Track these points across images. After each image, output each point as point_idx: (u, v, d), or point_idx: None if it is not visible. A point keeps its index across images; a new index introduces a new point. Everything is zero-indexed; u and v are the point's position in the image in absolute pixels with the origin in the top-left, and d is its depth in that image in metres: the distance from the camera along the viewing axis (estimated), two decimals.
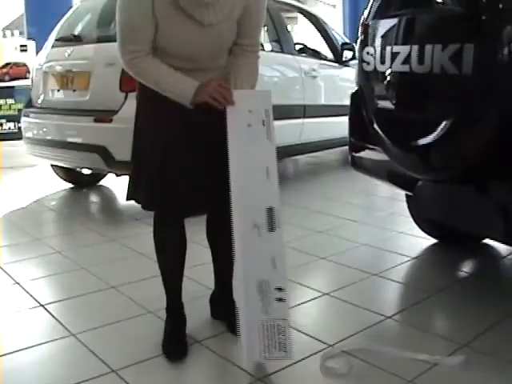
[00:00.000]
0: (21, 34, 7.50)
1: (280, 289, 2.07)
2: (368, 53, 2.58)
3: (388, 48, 2.41)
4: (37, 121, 4.92)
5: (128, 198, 2.36)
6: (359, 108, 2.83)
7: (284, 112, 5.19)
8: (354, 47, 6.10)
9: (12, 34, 8.74)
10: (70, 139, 4.49)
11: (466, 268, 3.39)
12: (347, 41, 6.55)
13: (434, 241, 3.57)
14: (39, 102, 4.98)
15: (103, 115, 4.21)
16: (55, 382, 2.12)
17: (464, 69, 2.02)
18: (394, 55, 2.35)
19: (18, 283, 3.05)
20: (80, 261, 3.40)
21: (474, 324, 2.48)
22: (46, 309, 2.73)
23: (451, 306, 2.75)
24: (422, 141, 2.26)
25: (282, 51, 5.53)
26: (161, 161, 2.18)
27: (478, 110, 2.05)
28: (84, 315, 2.69)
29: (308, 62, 5.71)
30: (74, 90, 4.54)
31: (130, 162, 2.33)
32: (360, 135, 2.89)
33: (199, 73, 2.13)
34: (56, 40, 5.06)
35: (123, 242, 3.76)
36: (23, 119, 5.21)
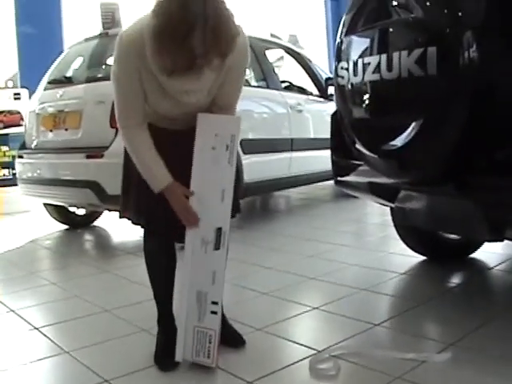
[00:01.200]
0: (14, 85, 7.70)
1: (215, 303, 2.24)
2: (342, 67, 2.68)
3: (359, 60, 2.52)
4: (30, 161, 5.02)
5: (120, 216, 2.44)
6: (338, 125, 2.94)
7: (272, 145, 5.32)
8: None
9: (6, 85, 8.94)
10: (63, 176, 4.58)
11: (454, 279, 3.43)
12: (331, 76, 6.72)
13: (422, 258, 3.63)
14: (33, 143, 5.09)
15: (94, 151, 4.31)
16: None
17: (429, 71, 2.13)
18: (366, 66, 2.46)
19: (13, 311, 3.09)
20: (74, 290, 3.45)
21: (462, 325, 2.52)
22: (40, 331, 2.76)
23: (439, 313, 2.80)
24: (396, 144, 2.36)
25: (269, 87, 5.67)
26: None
27: (444, 111, 2.15)
28: (78, 335, 2.72)
29: (294, 97, 5.86)
30: (66, 129, 4.65)
31: (121, 181, 2.41)
32: (341, 152, 2.99)
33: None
34: (48, 83, 5.20)
35: (116, 273, 3.80)
36: (17, 161, 5.31)
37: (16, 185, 5.74)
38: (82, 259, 4.34)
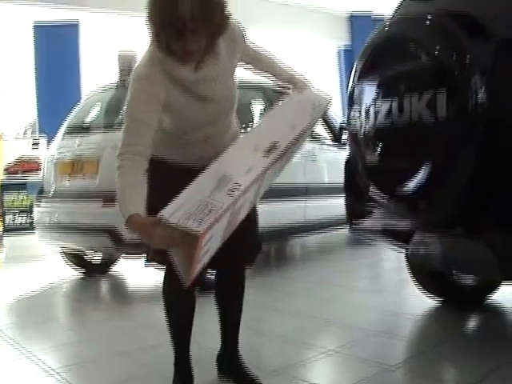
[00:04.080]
0: (33, 132, 7.92)
1: (238, 184, 1.97)
2: (354, 113, 2.75)
3: (371, 106, 2.58)
4: (48, 208, 5.09)
5: (147, 261, 2.40)
6: (351, 170, 2.99)
7: (287, 192, 5.33)
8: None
9: (25, 133, 9.19)
10: (80, 222, 4.63)
11: (470, 322, 3.40)
12: (345, 123, 6.80)
13: (438, 301, 3.61)
14: (50, 190, 5.17)
15: (111, 197, 4.36)
16: None
17: (439, 115, 2.18)
18: (377, 111, 2.52)
19: (30, 353, 3.11)
20: (89, 334, 3.50)
21: (480, 368, 2.50)
22: (57, 373, 2.78)
23: (455, 356, 2.77)
24: (409, 187, 2.39)
25: None
26: None
27: (455, 154, 2.19)
28: (94, 378, 2.74)
29: (308, 146, 5.91)
30: (84, 177, 4.73)
31: None
32: (355, 196, 3.02)
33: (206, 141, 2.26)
34: (66, 132, 5.32)
35: (132, 317, 3.83)
36: (35, 208, 5.39)
37: (33, 230, 5.85)
38: (97, 305, 4.37)
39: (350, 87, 2.87)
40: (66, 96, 8.18)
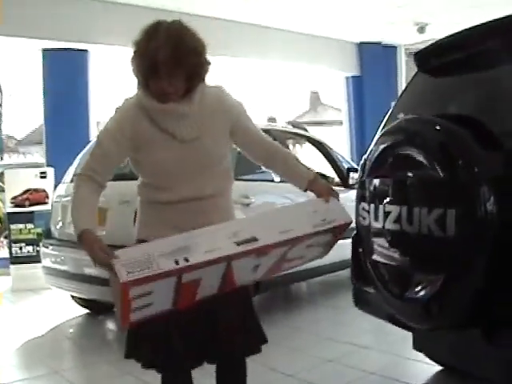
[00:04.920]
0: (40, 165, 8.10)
1: (186, 259, 1.98)
2: (363, 208, 2.77)
3: (380, 206, 2.60)
4: (55, 253, 5.15)
5: (126, 356, 2.44)
6: (357, 250, 3.02)
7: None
8: (358, 171, 6.37)
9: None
10: (87, 272, 4.68)
11: None
12: (353, 165, 6.86)
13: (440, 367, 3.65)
14: (58, 234, 5.23)
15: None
16: None
17: (448, 232, 2.21)
18: (387, 214, 2.55)
19: None
20: None
21: None
22: None
23: None
24: (417, 293, 2.42)
25: None
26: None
27: (465, 270, 2.23)
28: None
29: None
30: None
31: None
32: (361, 278, 3.05)
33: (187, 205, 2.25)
34: (74, 175, 5.36)
35: (138, 375, 3.85)
36: (43, 250, 5.45)
37: (40, 261, 5.91)
38: (104, 356, 4.38)
39: (360, 179, 2.88)
40: (75, 124, 8.25)
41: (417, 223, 2.35)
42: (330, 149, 6.62)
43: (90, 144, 5.78)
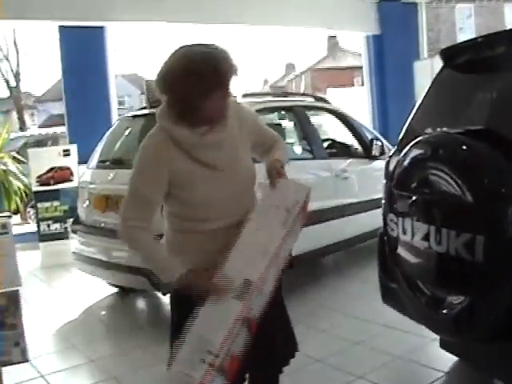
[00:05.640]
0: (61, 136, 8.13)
1: (210, 352, 2.06)
2: (392, 220, 2.79)
3: (409, 222, 2.62)
4: (84, 239, 5.25)
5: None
6: (384, 248, 3.05)
7: (320, 215, 5.36)
8: (382, 143, 6.37)
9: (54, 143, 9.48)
10: (116, 261, 4.78)
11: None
12: (376, 134, 6.84)
13: None
14: (86, 220, 5.32)
15: None
16: None
17: (476, 257, 2.23)
18: (415, 230, 2.56)
19: None
20: None
21: None
22: None
23: None
24: (445, 309, 2.48)
25: (314, 156, 5.81)
26: None
27: (492, 291, 2.26)
28: None
29: (339, 164, 5.96)
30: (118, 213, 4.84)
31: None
32: (387, 274, 3.10)
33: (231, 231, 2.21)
34: (99, 161, 5.43)
35: None
36: (71, 235, 5.55)
37: (67, 238, 6.13)
38: (138, 341, 4.50)
39: (387, 189, 2.87)
40: (96, 101, 8.28)
41: (445, 244, 2.37)
42: (353, 120, 6.60)
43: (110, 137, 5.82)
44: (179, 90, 2.08)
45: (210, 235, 2.24)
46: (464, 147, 2.35)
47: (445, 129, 2.67)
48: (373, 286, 5.25)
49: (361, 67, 11.99)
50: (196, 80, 2.05)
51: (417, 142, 2.60)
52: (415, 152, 2.63)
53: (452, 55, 3.08)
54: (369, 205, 5.77)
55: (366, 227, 5.84)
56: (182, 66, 2.07)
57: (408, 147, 2.65)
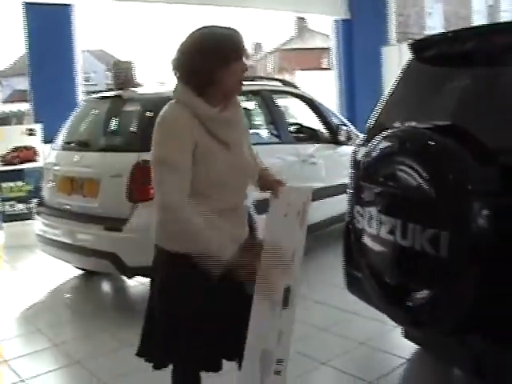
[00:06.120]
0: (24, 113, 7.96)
1: (280, 361, 2.23)
2: (358, 212, 2.79)
3: (375, 215, 2.63)
4: (48, 222, 5.18)
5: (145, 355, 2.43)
6: (349, 239, 3.08)
7: None
8: (350, 128, 6.42)
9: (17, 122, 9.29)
10: (81, 244, 4.74)
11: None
12: (343, 120, 6.88)
13: None
14: (50, 202, 5.25)
15: (113, 224, 4.47)
16: None
17: (441, 252, 2.25)
18: (381, 224, 2.58)
19: None
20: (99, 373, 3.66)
21: None
22: None
23: None
24: (407, 303, 2.52)
25: (281, 141, 5.82)
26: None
27: (456, 286, 2.30)
28: None
29: (306, 149, 5.99)
30: (84, 196, 4.81)
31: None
32: (354, 266, 3.13)
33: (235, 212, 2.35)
34: (65, 143, 5.35)
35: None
36: (36, 217, 5.47)
37: (32, 218, 6.02)
38: (102, 325, 4.49)
39: (355, 182, 2.88)
40: (61, 78, 8.13)
41: (410, 238, 2.39)
42: (320, 105, 6.61)
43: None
44: (200, 63, 2.17)
45: (220, 214, 2.26)
46: (430, 143, 2.37)
47: (413, 123, 2.69)
48: (340, 273, 5.40)
49: (329, 48, 11.99)
50: (216, 52, 2.17)
51: (385, 136, 2.61)
52: (382, 145, 2.64)
53: (421, 48, 3.09)
54: (336, 190, 5.81)
55: (333, 212, 5.89)
56: (202, 41, 2.19)
57: (376, 140, 2.66)
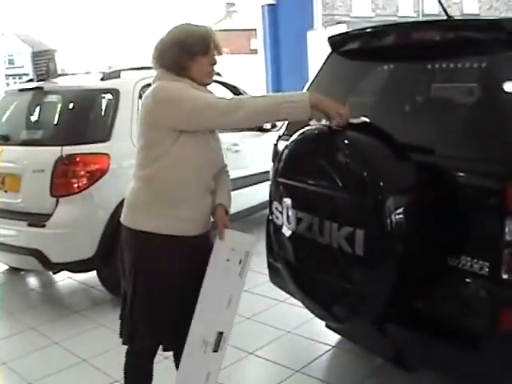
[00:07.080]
0: None
1: None
2: (277, 208, 2.80)
3: (293, 210, 2.65)
4: None
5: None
6: (270, 231, 3.13)
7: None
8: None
9: None
10: (4, 241, 4.64)
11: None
12: None
13: None
14: None
15: (36, 220, 4.39)
16: None
17: (357, 251, 2.31)
18: (299, 220, 2.61)
19: None
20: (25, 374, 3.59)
21: None
22: None
23: None
24: (326, 297, 2.61)
25: None
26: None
27: (372, 283, 2.38)
28: None
29: (230, 137, 5.98)
30: (6, 191, 4.69)
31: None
32: (275, 258, 3.19)
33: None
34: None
35: (66, 346, 3.94)
36: None
37: None
38: (30, 321, 4.43)
39: (273, 179, 2.90)
40: None
41: (327, 236, 2.44)
42: (244, 92, 6.61)
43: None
44: (172, 55, 2.48)
45: (206, 189, 2.56)
46: (345, 141, 2.41)
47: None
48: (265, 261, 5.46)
49: (255, 29, 12.03)
50: (183, 46, 2.46)
51: (301, 133, 2.64)
52: (299, 143, 2.67)
53: (340, 43, 3.14)
54: (260, 177, 5.86)
55: (258, 199, 5.94)
56: (174, 36, 2.51)
57: (293, 137, 2.70)
